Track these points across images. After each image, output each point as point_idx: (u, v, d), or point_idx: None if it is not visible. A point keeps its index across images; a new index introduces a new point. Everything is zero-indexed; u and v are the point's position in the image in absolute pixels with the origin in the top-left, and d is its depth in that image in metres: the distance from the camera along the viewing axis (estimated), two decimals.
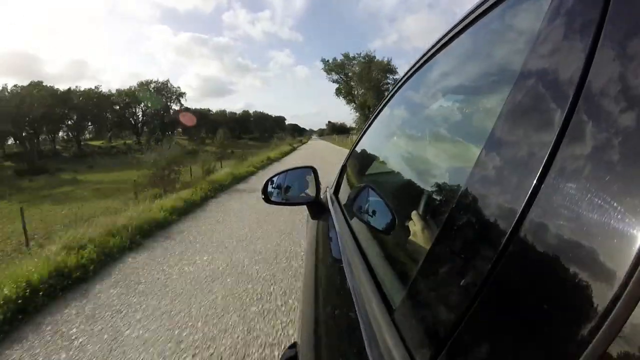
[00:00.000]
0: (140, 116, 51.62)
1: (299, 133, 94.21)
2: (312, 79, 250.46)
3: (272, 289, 2.51)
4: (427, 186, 0.57)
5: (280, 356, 1.74)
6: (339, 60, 35.30)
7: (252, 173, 10.78)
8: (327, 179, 1.54)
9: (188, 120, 49.94)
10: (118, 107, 48.87)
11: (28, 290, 2.41)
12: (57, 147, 40.39)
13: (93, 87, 45.70)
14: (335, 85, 36.27)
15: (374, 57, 33.65)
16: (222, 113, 73.24)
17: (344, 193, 1.12)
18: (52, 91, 38.73)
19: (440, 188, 0.54)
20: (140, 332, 2.04)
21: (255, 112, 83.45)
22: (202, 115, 62.36)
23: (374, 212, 0.73)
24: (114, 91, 48.96)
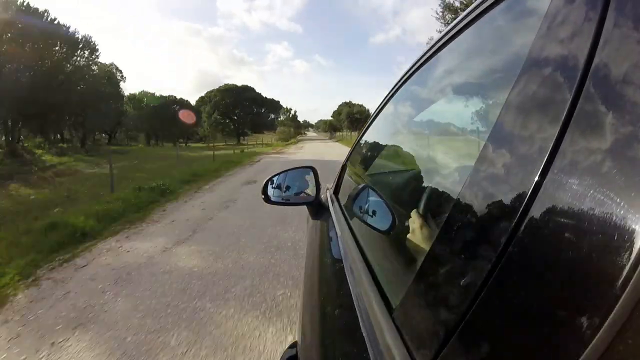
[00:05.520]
0: None
1: (254, 127, 47.75)
2: (312, 73, 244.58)
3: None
4: (427, 184, 0.57)
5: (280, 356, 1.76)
6: None
7: None
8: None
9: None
10: None
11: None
12: None
13: None
14: None
15: None
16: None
17: (344, 193, 1.12)
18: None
19: (440, 186, 0.54)
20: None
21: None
22: None
23: (374, 212, 0.73)
24: None
